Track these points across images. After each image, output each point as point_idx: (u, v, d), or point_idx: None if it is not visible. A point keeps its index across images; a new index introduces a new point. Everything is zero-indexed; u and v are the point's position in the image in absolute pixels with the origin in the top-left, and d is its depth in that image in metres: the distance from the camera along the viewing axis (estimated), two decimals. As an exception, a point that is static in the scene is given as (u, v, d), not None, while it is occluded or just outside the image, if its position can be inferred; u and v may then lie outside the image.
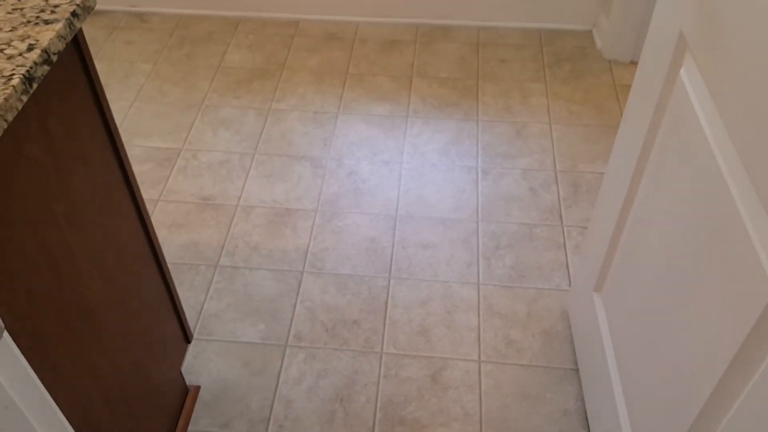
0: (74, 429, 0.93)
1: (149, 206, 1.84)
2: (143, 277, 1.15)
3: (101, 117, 0.98)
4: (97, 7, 2.54)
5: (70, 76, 0.89)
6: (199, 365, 1.49)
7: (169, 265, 1.69)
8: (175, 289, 1.29)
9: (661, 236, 0.99)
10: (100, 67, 2.30)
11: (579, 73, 2.26)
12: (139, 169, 1.95)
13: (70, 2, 0.84)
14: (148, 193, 1.88)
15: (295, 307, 1.60)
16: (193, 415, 1.40)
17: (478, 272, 1.67)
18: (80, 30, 0.91)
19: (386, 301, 1.61)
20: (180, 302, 1.31)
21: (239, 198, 1.87)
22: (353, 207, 1.84)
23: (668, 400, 0.95)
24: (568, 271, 1.67)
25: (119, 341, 1.06)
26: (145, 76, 2.27)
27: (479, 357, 1.49)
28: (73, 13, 0.83)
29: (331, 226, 1.79)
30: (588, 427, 1.37)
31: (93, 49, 2.36)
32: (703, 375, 0.83)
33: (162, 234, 1.77)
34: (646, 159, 1.08)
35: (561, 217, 1.80)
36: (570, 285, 1.63)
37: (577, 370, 1.47)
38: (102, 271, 1.00)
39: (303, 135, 2.07)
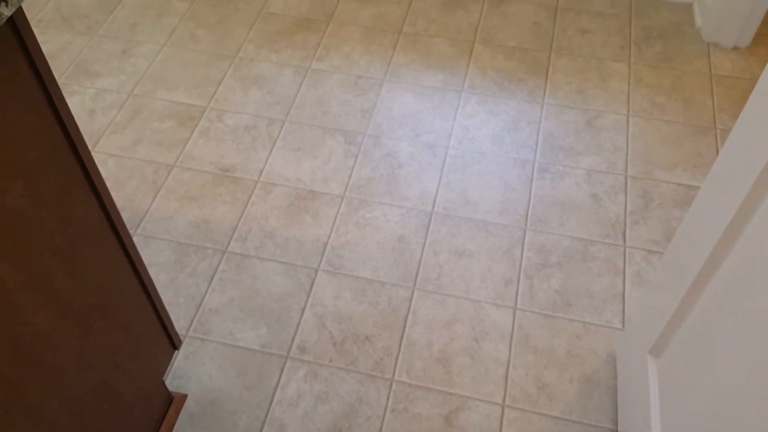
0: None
1: (163, 172, 1.67)
2: (113, 290, 0.99)
3: (51, 110, 0.79)
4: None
5: (4, 67, 0.70)
6: (190, 369, 1.34)
7: (175, 244, 1.53)
8: (158, 295, 1.12)
9: (760, 322, 0.75)
10: (133, 2, 2.10)
11: (671, 55, 1.92)
12: (159, 127, 1.78)
13: (-15, -19, 0.63)
14: (163, 156, 1.71)
15: (303, 311, 1.42)
16: (176, 427, 1.26)
17: (517, 293, 1.44)
18: (20, 9, 0.70)
19: (406, 317, 1.41)
20: (164, 308, 1.15)
21: (261, 172, 1.68)
22: (384, 196, 1.62)
23: None
24: (624, 305, 1.42)
25: (78, 366, 0.91)
26: (180, 17, 2.06)
27: (504, 400, 1.29)
28: (-13, -2, 0.63)
29: (356, 217, 1.58)
30: (620, 505, 1.17)
31: (128, -18, 2.16)
32: None
33: (172, 207, 1.61)
34: (762, 198, 0.81)
35: (624, 235, 1.53)
36: (624, 325, 1.39)
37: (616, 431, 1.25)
38: (51, 298, 0.83)
39: (341, 103, 1.84)
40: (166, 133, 1.76)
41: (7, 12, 0.66)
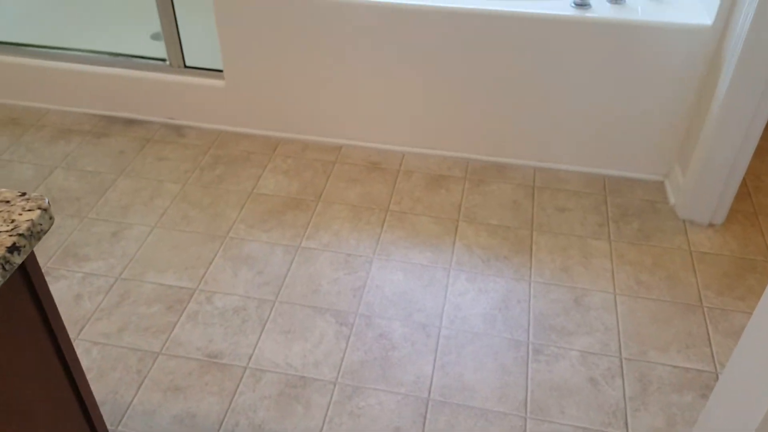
0: None
1: (148, 360, 1.62)
2: None
3: (56, 351, 0.77)
4: (133, 116, 2.44)
5: (12, 312, 0.69)
6: None
7: (158, 442, 1.44)
8: None
9: None
10: (126, 185, 2.15)
11: (648, 232, 2.00)
12: (146, 311, 1.74)
13: (11, 231, 0.64)
14: (149, 343, 1.66)
15: None
16: None
17: (523, 491, 1.37)
18: (32, 255, 0.71)
19: None
20: None
21: (250, 358, 1.63)
22: (379, 381, 1.58)
23: None
24: (635, 502, 1.35)
25: None
26: (171, 199, 2.10)
27: None
28: (12, 248, 0.63)
29: (350, 406, 1.53)
30: None
31: (121, 164, 2.23)
32: None
33: (156, 399, 1.53)
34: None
35: (627, 424, 1.49)
36: None
37: None
38: None
39: (332, 282, 1.84)
40: (154, 318, 1.73)
41: (18, 260, 0.66)
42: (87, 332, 1.69)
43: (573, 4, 1.95)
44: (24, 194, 0.71)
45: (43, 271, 1.83)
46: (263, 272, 1.87)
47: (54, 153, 2.28)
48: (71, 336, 1.68)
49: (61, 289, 1.79)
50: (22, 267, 0.70)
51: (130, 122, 2.43)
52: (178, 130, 2.40)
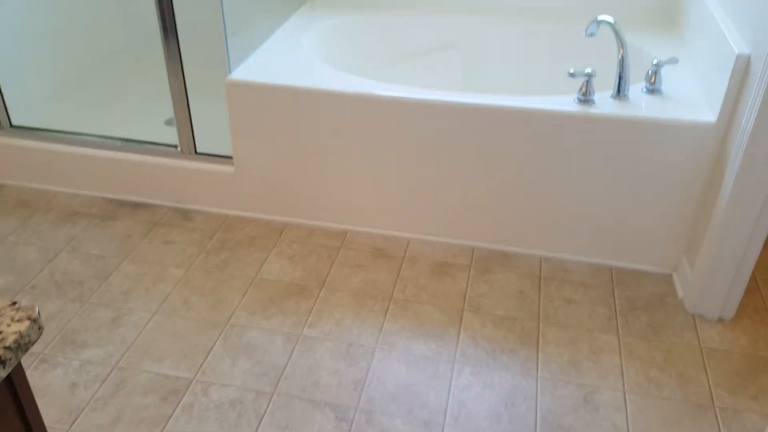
0: None
1: (140, 455, 1.56)
2: None
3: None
4: (140, 199, 2.47)
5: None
6: None
7: None
8: None
9: None
10: (129, 269, 2.14)
11: (658, 327, 1.95)
12: (141, 402, 1.70)
13: (-4, 344, 0.63)
14: (142, 437, 1.61)
15: None
16: None
17: None
18: (19, 366, 0.69)
19: None
20: None
21: (246, 455, 1.57)
22: (379, 484, 1.51)
23: None
24: None
25: None
26: (174, 284, 2.09)
27: None
28: (-6, 364, 0.61)
29: None
30: None
31: (126, 248, 2.24)
32: None
33: (146, 499, 1.47)
34: None
35: None
36: None
37: None
38: None
39: (332, 373, 1.80)
40: (148, 410, 1.68)
41: (3, 373, 0.64)
42: (80, 423, 1.64)
43: (577, 100, 1.99)
44: (14, 303, 0.70)
45: (40, 357, 1.81)
46: (262, 362, 1.83)
47: (60, 236, 2.29)
48: (64, 428, 1.63)
49: (57, 377, 1.76)
50: (8, 379, 0.68)
51: (137, 206, 2.45)
52: (185, 214, 2.42)
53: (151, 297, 2.04)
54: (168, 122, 2.80)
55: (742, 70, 1.76)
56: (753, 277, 2.15)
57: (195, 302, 2.03)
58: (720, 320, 1.96)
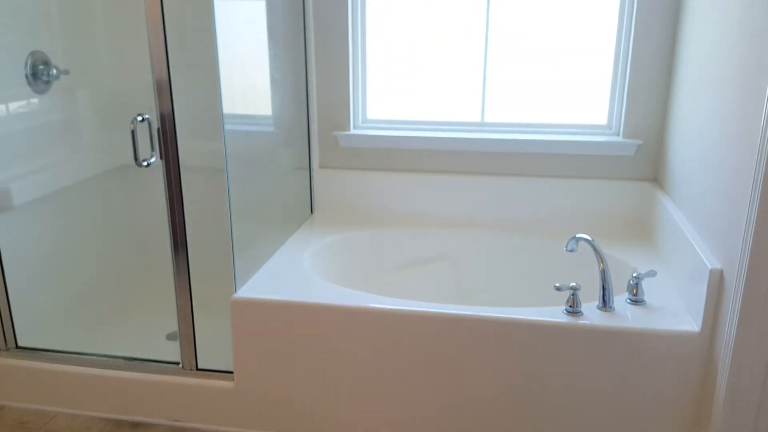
0: None
1: None
2: None
3: None
4: (139, 419, 2.44)
5: None
6: None
7: None
8: None
9: None
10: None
11: None
12: None
13: None
14: None
15: None
16: None
17: None
18: None
19: None
20: None
21: None
22: None
23: None
24: None
25: None
26: None
27: None
28: None
29: None
30: None
31: (122, 472, 2.18)
32: None
33: None
34: None
35: None
36: None
37: None
38: None
39: None
40: None
41: None
42: None
43: (565, 311, 2.09)
44: None
45: None
46: None
47: (55, 460, 2.24)
48: None
49: None
50: None
51: (136, 425, 2.43)
52: (183, 432, 2.39)
53: None
54: (170, 336, 2.86)
55: (717, 283, 1.89)
56: (765, 488, 2.09)
57: None
58: None
